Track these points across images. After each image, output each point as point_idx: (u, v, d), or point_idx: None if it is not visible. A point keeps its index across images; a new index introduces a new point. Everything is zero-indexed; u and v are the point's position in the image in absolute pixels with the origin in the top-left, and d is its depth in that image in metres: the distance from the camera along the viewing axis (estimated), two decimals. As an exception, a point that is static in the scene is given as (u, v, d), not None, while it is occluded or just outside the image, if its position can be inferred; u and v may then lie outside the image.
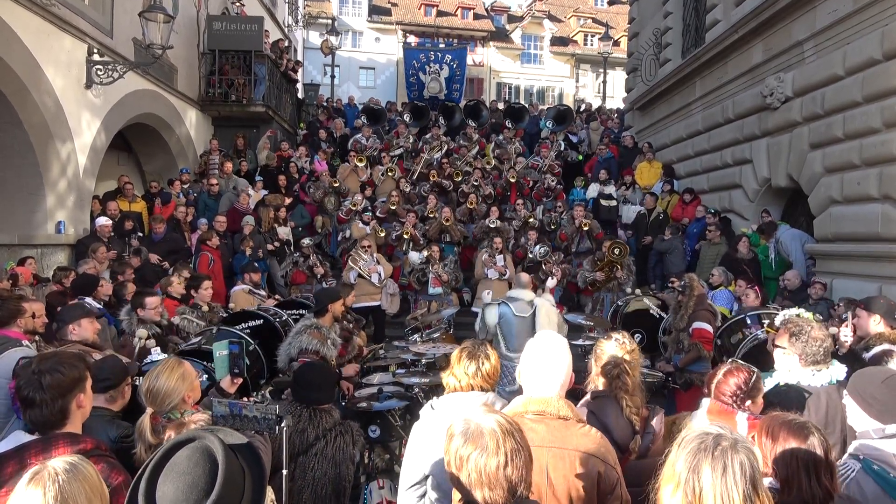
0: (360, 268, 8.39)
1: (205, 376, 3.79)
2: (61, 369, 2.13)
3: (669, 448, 1.60)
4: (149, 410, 2.50)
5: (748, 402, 2.47)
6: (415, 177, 11.71)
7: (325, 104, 17.11)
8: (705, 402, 2.61)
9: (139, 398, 2.69)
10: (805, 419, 2.04)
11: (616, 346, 2.68)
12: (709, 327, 5.36)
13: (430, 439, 2.32)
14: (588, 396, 2.71)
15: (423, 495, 2.34)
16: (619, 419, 2.50)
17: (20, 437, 2.11)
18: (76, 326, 3.63)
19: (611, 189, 11.40)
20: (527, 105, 16.78)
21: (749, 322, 5.30)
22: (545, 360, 2.21)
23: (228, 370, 3.10)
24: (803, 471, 1.87)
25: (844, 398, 2.43)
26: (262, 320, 5.56)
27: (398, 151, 12.63)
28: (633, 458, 2.51)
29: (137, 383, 3.27)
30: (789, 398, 2.80)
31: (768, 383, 3.14)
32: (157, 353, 3.71)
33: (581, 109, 17.35)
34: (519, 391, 2.31)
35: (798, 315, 4.34)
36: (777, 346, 3.13)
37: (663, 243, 9.44)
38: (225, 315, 6.13)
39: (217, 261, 8.17)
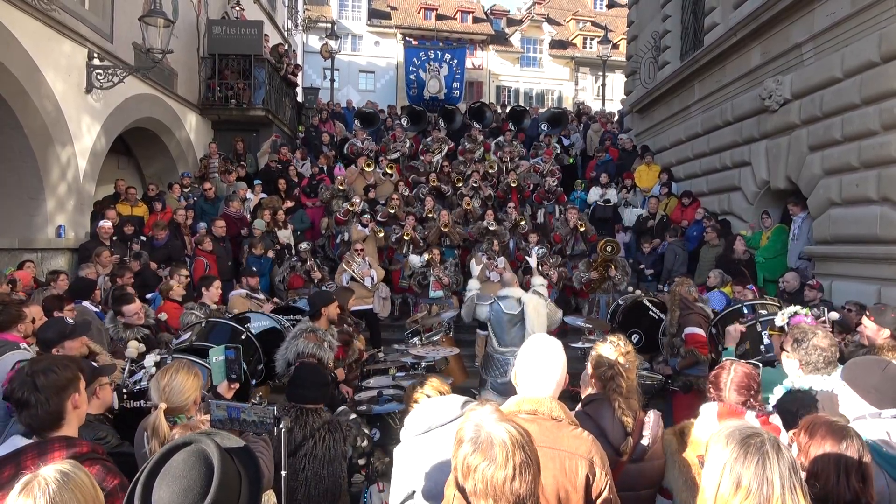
0: (353, 271, 8.40)
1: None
2: (55, 369, 2.16)
3: (699, 457, 1.62)
4: (162, 406, 2.50)
5: (760, 397, 2.50)
6: (425, 178, 11.72)
7: (321, 108, 17.13)
8: (711, 407, 2.60)
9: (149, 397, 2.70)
10: (846, 423, 2.08)
11: (611, 349, 2.69)
12: (701, 331, 5.33)
13: (409, 456, 2.33)
14: (580, 405, 2.71)
15: None
16: (613, 422, 2.50)
17: (16, 442, 2.12)
18: (60, 349, 3.63)
19: (611, 193, 11.42)
20: (528, 108, 16.80)
21: (745, 311, 5.25)
22: (540, 360, 2.22)
23: (226, 375, 3.12)
24: (833, 469, 1.92)
25: (839, 387, 2.48)
26: (267, 322, 5.55)
27: (395, 155, 12.66)
28: (627, 461, 2.50)
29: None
30: (804, 402, 2.85)
31: (778, 391, 3.17)
32: (149, 362, 3.70)
33: (579, 112, 17.36)
34: (511, 382, 2.34)
35: (797, 313, 4.37)
36: (783, 350, 3.20)
37: (668, 261, 9.40)
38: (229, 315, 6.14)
39: (213, 265, 8.16)
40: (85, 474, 1.56)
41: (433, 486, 2.19)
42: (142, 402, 3.28)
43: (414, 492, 2.29)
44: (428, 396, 2.60)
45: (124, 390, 3.32)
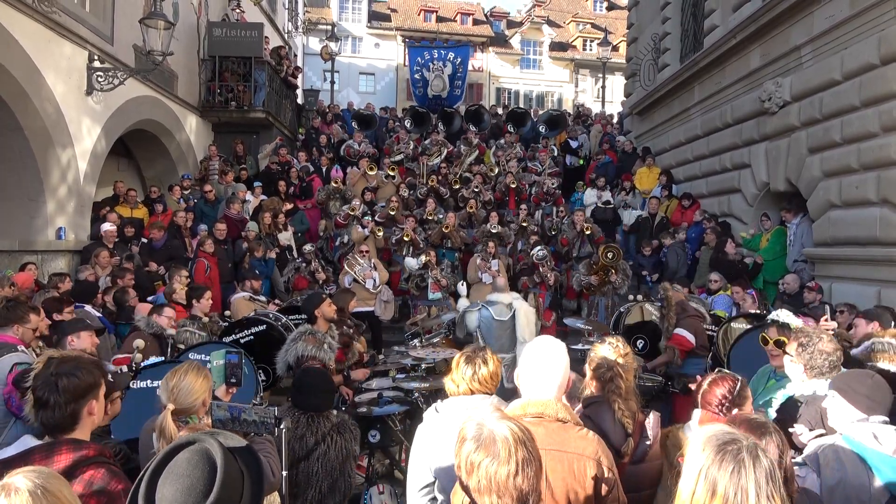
0: (355, 273, 8.39)
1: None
2: (78, 374, 2.16)
3: (679, 459, 1.60)
4: (170, 407, 2.51)
5: (735, 410, 2.48)
6: (422, 179, 11.72)
7: (320, 110, 17.12)
8: (697, 413, 2.64)
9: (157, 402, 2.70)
10: (765, 420, 2.09)
11: (609, 350, 2.69)
12: (688, 335, 5.34)
13: (435, 443, 2.35)
14: (580, 406, 2.71)
15: (434, 499, 2.36)
16: (614, 423, 2.51)
17: (27, 442, 2.12)
18: (75, 338, 3.64)
19: (607, 195, 11.43)
20: (527, 110, 16.79)
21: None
22: (543, 363, 2.22)
23: (225, 379, 3.12)
24: None
25: (829, 398, 2.50)
26: (264, 325, 5.54)
27: (399, 157, 12.67)
28: (628, 463, 2.51)
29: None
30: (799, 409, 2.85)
31: (780, 395, 3.17)
32: (154, 359, 3.72)
33: (580, 114, 17.36)
34: (501, 391, 2.35)
35: (776, 320, 4.34)
36: (786, 354, 3.19)
37: (671, 263, 9.38)
38: (224, 324, 6.12)
39: (214, 267, 8.13)
40: (56, 477, 1.53)
41: (450, 484, 2.19)
42: None
43: (434, 480, 2.29)
44: (480, 384, 2.47)
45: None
